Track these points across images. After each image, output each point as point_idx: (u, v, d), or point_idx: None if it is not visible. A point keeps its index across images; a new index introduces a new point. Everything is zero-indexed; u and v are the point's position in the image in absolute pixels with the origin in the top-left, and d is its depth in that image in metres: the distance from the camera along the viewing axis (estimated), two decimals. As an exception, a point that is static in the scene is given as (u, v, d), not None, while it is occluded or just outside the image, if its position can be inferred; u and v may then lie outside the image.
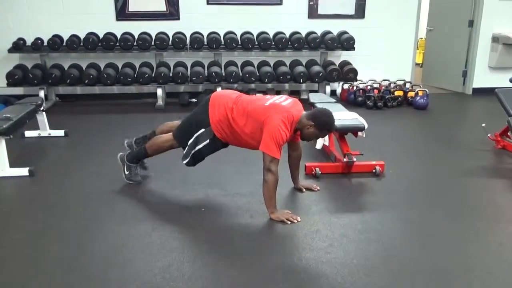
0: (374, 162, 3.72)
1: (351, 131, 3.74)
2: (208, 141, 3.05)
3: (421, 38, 8.78)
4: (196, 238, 2.73)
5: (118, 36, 6.11)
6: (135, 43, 6.11)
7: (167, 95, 6.49)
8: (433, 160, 4.18)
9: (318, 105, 3.91)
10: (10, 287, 2.25)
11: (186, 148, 3.10)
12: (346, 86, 6.47)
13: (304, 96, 6.36)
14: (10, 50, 5.98)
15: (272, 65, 6.34)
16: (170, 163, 3.62)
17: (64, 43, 6.04)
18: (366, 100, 6.10)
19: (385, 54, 6.87)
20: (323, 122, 2.94)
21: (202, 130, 3.04)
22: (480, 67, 7.07)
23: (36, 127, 4.67)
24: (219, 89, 6.00)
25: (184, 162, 3.14)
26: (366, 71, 6.65)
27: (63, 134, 4.75)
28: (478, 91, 7.04)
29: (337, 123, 3.54)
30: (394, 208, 3.12)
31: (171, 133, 3.23)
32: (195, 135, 3.06)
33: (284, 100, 2.98)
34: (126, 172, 3.43)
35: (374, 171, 3.67)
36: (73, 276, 2.33)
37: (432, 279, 2.30)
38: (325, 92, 6.24)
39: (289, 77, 6.13)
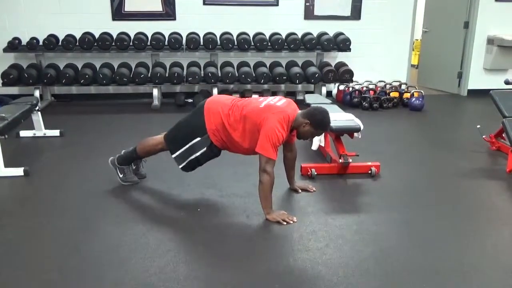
0: (369, 163, 3.73)
1: (347, 132, 3.76)
2: (205, 149, 3.05)
3: (417, 40, 8.82)
4: (192, 238, 2.73)
5: (114, 36, 6.09)
6: (131, 43, 6.10)
7: (163, 96, 6.49)
8: (428, 161, 4.19)
9: (314, 106, 3.92)
10: (4, 287, 2.25)
11: (178, 153, 3.10)
12: (342, 87, 6.48)
13: (300, 97, 6.38)
14: (5, 50, 5.96)
15: (268, 66, 6.34)
16: (167, 164, 3.61)
17: (60, 43, 6.03)
18: (361, 101, 6.12)
19: (381, 56, 6.89)
20: (318, 120, 2.95)
21: (198, 139, 3.03)
22: (475, 69, 7.11)
23: (31, 127, 4.65)
24: (215, 91, 6.03)
25: (180, 167, 3.15)
26: (362, 72, 6.67)
27: (58, 134, 4.73)
28: (473, 93, 7.09)
29: (333, 124, 3.56)
30: (390, 209, 3.13)
31: (163, 135, 3.23)
32: (190, 143, 3.05)
33: (278, 100, 2.98)
34: (121, 175, 3.42)
35: (369, 172, 3.68)
36: (68, 276, 2.32)
37: (427, 280, 2.31)
38: (321, 93, 6.26)
39: (285, 78, 6.13)
